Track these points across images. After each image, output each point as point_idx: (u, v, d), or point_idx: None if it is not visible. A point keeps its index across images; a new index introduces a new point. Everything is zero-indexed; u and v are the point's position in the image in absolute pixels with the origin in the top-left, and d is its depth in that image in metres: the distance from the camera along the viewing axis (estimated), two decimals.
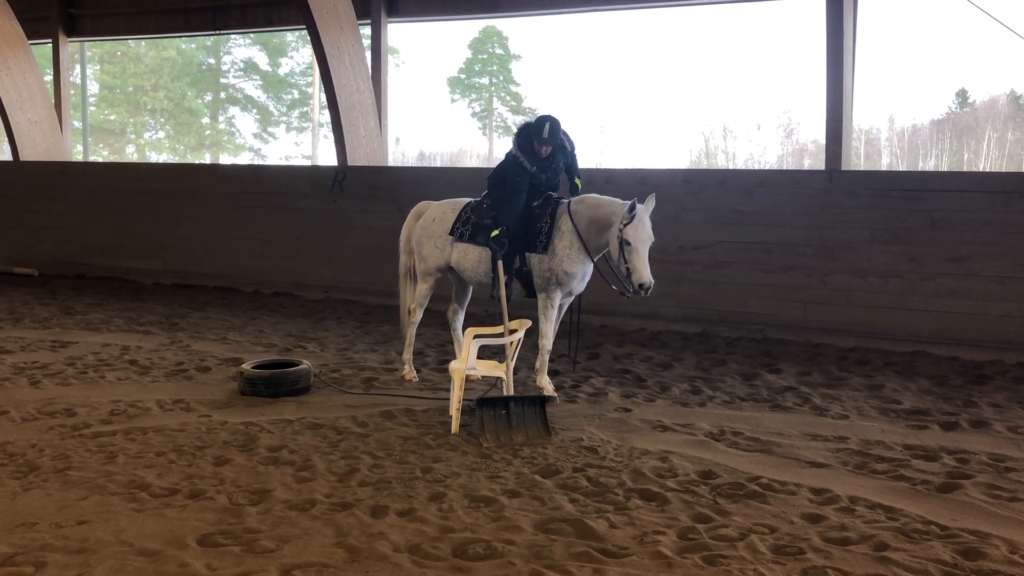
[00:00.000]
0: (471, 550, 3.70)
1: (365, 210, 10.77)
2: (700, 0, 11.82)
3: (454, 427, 5.43)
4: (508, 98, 40.29)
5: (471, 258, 6.42)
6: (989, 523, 4.01)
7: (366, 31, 11.40)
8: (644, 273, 5.73)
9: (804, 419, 5.80)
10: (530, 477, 4.62)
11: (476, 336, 5.70)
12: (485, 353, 6.34)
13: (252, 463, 4.79)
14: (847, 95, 8.63)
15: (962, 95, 34.76)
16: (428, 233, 6.65)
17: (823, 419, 5.80)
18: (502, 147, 34.92)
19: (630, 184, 9.58)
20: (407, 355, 6.89)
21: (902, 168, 31.62)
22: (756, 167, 32.48)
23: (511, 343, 5.74)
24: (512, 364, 5.83)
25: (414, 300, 6.82)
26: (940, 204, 8.01)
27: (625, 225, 5.73)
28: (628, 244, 5.73)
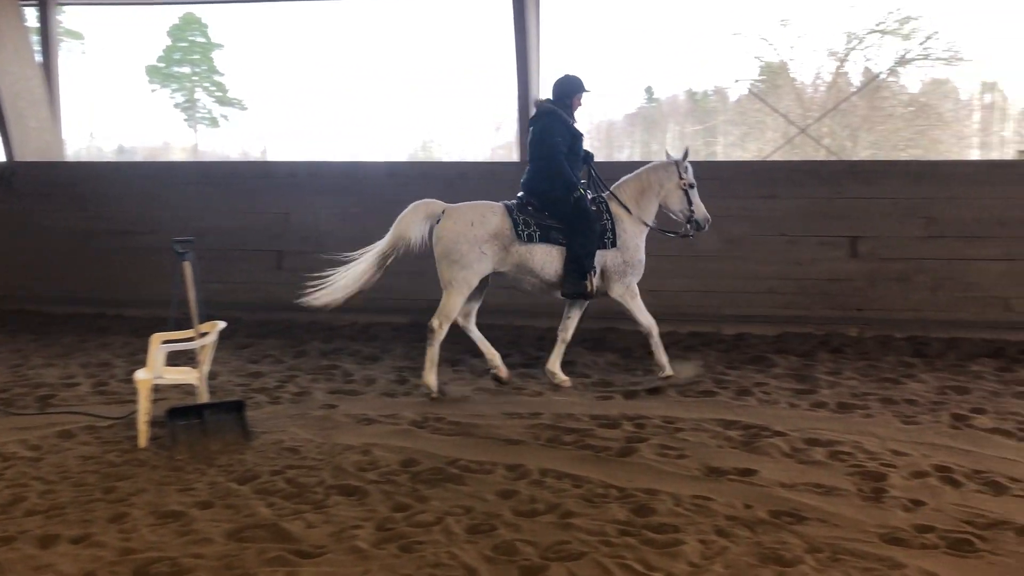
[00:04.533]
0: (154, 570, 3.46)
1: (40, 210, 9.74)
2: None
3: (142, 441, 5.06)
4: (213, 88, 38.37)
5: (538, 259, 6.21)
6: (659, 480, 4.40)
7: (37, 14, 10.29)
8: (704, 209, 6.50)
9: (504, 399, 6.05)
10: (225, 486, 4.41)
11: (164, 342, 5.34)
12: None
13: None
14: (534, 92, 9.10)
15: (649, 91, 38.13)
16: (469, 238, 6.08)
17: (521, 397, 6.09)
18: (208, 139, 33.20)
19: (335, 177, 9.50)
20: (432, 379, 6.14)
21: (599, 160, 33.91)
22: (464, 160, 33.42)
23: (202, 347, 5.43)
24: (207, 369, 5.53)
25: (441, 313, 6.22)
26: None
27: (683, 175, 6.43)
28: (692, 186, 6.46)
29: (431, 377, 6.14)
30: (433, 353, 6.16)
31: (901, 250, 8.15)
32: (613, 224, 6.33)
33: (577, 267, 6.18)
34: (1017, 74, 11.61)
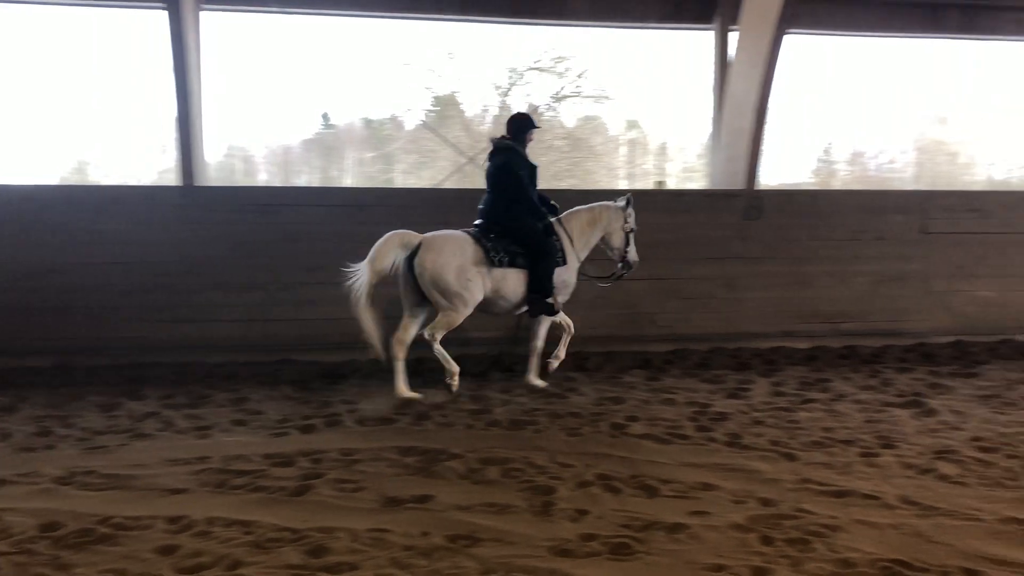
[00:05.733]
0: None
1: None
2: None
3: None
4: None
5: (511, 282, 6.81)
6: (336, 517, 4.24)
7: None
8: (635, 252, 7.41)
9: (166, 444, 5.55)
10: None
11: None
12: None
13: None
14: (195, 114, 8.59)
15: (326, 118, 37.94)
16: (454, 267, 6.60)
17: (185, 441, 5.62)
18: None
19: None
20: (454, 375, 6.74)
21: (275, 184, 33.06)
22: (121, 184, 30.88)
23: None
24: None
25: (437, 326, 6.66)
26: (293, 217, 8.44)
27: (628, 220, 7.28)
28: (633, 231, 7.34)
29: (453, 375, 6.76)
30: (441, 351, 6.70)
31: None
32: (562, 246, 7.10)
33: (541, 288, 6.85)
34: (654, 114, 12.97)
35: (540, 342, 7.17)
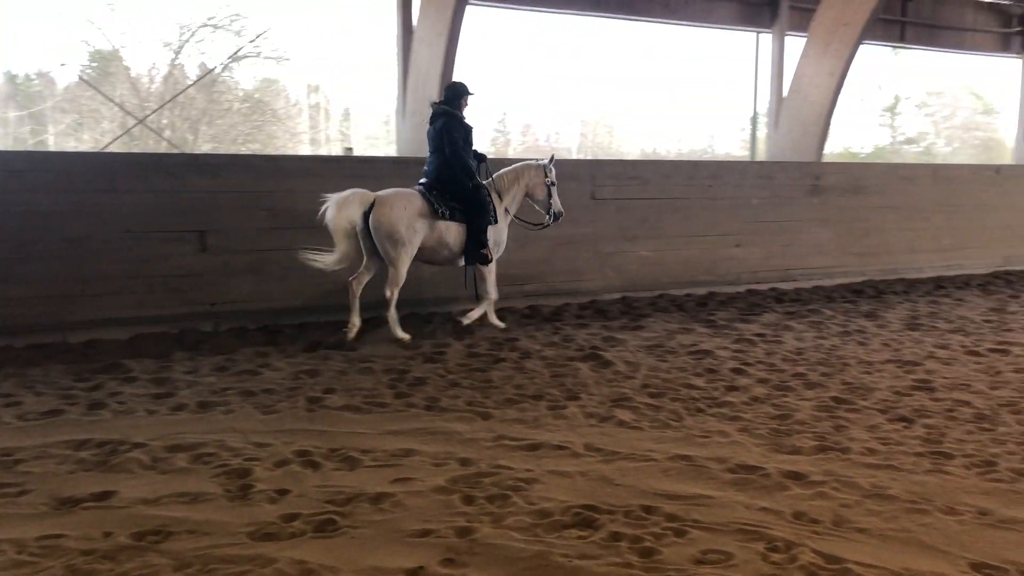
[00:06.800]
0: None
1: None
2: None
3: None
4: None
5: (453, 233, 7.71)
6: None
7: None
8: (560, 203, 8.26)
9: None
10: None
11: None
12: None
13: None
14: None
15: None
16: (405, 220, 7.42)
17: None
18: None
19: None
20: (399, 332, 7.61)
21: None
22: None
23: None
24: None
25: (392, 282, 7.56)
26: None
27: (548, 175, 8.17)
28: (554, 184, 8.20)
29: (398, 331, 7.61)
30: (393, 314, 7.60)
31: (249, 242, 8.32)
32: (494, 206, 7.97)
33: (477, 240, 7.80)
34: (336, 78, 12.74)
35: (493, 291, 8.16)
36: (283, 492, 4.13)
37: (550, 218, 8.38)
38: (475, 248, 7.82)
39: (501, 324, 8.26)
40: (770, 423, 5.34)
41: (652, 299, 10.01)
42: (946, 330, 8.47)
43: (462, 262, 7.99)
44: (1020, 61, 15.77)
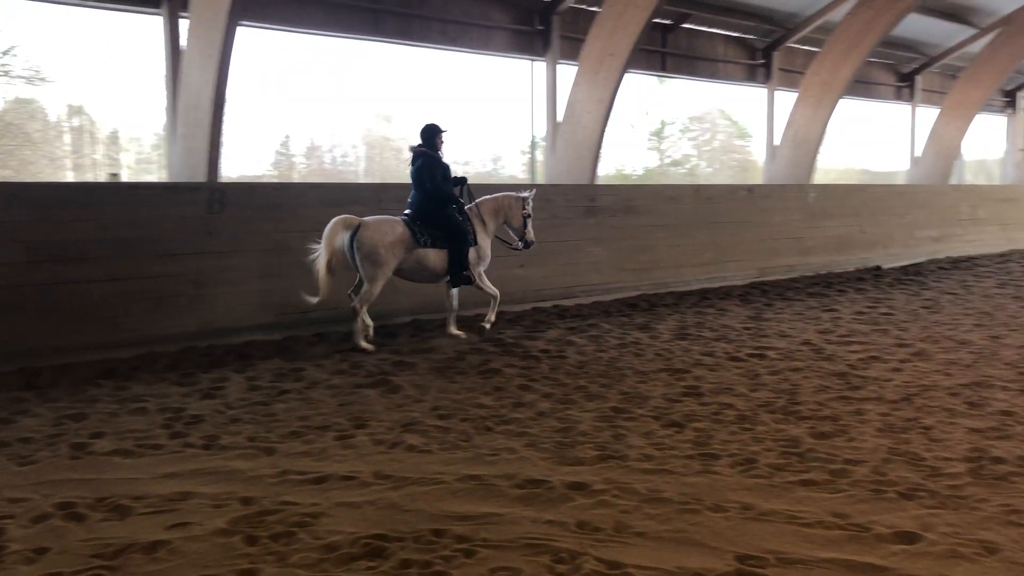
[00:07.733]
0: None
1: None
2: None
3: None
4: None
5: (432, 259, 8.76)
6: None
7: None
8: (533, 233, 9.42)
9: None
10: None
11: None
12: None
13: None
14: None
15: None
16: (386, 245, 8.47)
17: None
18: None
19: None
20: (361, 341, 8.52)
21: None
22: None
23: None
24: None
25: (364, 298, 8.56)
26: None
27: (526, 207, 9.33)
28: (530, 216, 9.34)
29: (360, 340, 8.49)
30: (358, 325, 8.51)
31: (3, 278, 7.61)
32: (475, 230, 9.02)
33: (459, 264, 8.78)
34: (102, 99, 11.93)
35: (493, 290, 9.15)
36: (42, 551, 3.79)
37: (521, 244, 9.38)
38: (458, 271, 8.83)
39: (461, 334, 9.09)
40: (555, 436, 5.53)
41: (443, 320, 10.08)
42: (711, 338, 9.14)
43: (448, 282, 8.96)
44: (765, 90, 17.36)
